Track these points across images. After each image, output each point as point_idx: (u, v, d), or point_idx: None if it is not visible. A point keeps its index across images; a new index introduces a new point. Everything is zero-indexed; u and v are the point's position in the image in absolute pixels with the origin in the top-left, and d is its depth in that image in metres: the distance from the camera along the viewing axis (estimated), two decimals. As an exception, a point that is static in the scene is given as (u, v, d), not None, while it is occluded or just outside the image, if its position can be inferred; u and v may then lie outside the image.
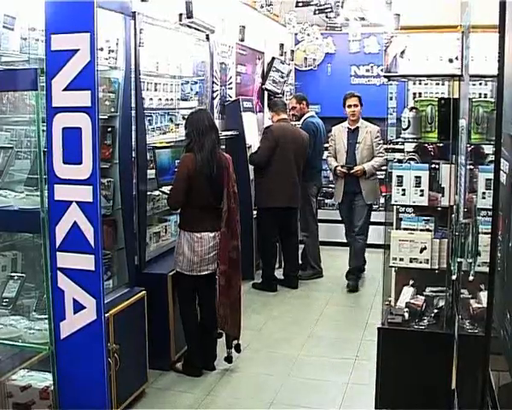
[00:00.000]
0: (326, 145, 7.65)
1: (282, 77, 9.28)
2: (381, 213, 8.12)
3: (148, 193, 5.18)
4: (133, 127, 4.76)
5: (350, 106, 7.21)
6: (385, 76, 4.45)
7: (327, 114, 8.85)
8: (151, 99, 5.35)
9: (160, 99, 5.51)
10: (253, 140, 7.67)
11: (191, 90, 5.99)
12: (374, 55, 9.65)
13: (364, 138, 7.16)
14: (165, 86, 5.59)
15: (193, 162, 4.71)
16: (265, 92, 9.17)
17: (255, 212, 7.37)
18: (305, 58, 9.95)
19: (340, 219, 7.66)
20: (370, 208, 7.34)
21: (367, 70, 9.80)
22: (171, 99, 5.71)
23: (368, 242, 7.38)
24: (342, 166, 7.13)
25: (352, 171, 7.07)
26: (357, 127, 7.22)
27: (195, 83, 6.07)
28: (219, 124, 7.09)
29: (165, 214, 5.61)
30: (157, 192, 5.33)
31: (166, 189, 5.07)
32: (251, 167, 7.31)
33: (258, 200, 7.22)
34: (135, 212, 4.82)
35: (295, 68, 10.06)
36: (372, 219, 7.45)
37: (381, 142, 7.12)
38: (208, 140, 4.75)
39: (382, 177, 7.60)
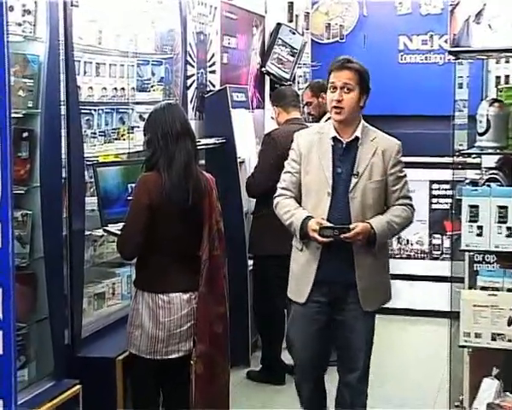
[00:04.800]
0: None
1: (293, 54, 9.31)
2: (445, 262, 8.08)
3: (87, 233, 5.19)
4: (63, 132, 4.77)
5: (334, 88, 4.95)
6: (451, 52, 4.44)
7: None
8: (91, 88, 5.35)
9: (105, 88, 5.52)
10: (249, 151, 7.68)
11: (153, 74, 6.02)
12: (434, 18, 9.72)
13: (371, 165, 4.95)
14: (112, 68, 5.60)
15: (157, 185, 4.69)
16: (267, 78, 9.20)
17: (251, 261, 7.35)
18: (328, 25, 10.01)
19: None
20: (374, 320, 5.17)
21: (424, 42, 9.85)
22: (123, 88, 5.73)
23: (426, 308, 7.25)
24: (322, 230, 4.78)
25: (345, 235, 4.78)
26: (356, 138, 4.99)
27: (159, 63, 6.10)
28: (196, 126, 7.10)
29: (114, 266, 5.63)
30: (101, 232, 5.32)
31: (116, 227, 5.04)
32: (245, 192, 7.30)
33: (256, 244, 7.22)
34: (65, 262, 4.81)
35: (312, 41, 10.12)
36: (428, 273, 7.22)
37: (404, 173, 5.07)
38: (181, 152, 4.73)
39: (446, 207, 7.54)
